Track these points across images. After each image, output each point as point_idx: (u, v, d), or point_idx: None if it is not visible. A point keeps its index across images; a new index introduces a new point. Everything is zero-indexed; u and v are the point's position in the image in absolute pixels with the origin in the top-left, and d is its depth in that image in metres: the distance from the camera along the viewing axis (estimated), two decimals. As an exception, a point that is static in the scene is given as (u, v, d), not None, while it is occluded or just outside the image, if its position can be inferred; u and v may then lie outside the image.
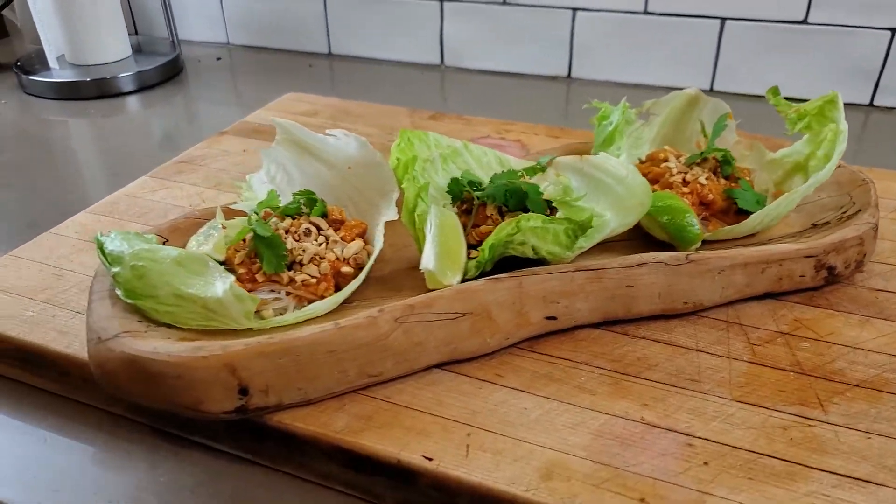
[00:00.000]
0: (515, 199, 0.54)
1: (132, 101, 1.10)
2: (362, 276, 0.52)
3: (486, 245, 0.51)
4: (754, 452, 0.44)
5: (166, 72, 1.18)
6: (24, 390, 0.55)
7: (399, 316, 0.48)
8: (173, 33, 1.22)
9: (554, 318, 0.52)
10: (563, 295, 0.52)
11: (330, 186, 0.59)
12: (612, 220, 0.51)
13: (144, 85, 1.14)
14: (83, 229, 0.68)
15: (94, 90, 1.11)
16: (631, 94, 1.08)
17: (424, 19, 1.17)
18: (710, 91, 1.07)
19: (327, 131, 0.57)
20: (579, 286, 0.52)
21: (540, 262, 0.53)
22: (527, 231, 0.50)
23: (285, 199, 0.59)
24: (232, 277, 0.48)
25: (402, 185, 0.55)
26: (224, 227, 0.53)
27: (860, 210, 0.58)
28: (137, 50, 1.22)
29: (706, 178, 0.59)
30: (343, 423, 0.47)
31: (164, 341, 0.46)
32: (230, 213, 0.59)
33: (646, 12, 1.05)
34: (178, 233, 0.58)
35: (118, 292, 0.49)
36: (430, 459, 0.44)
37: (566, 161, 0.52)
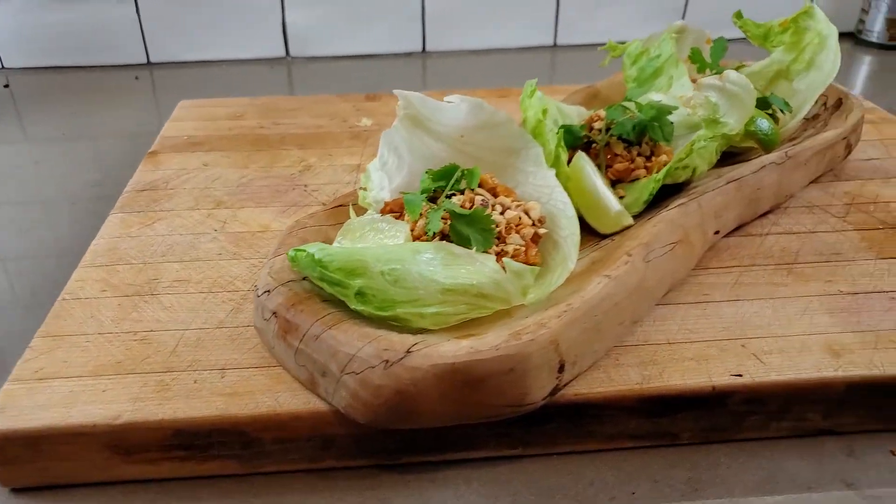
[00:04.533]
0: (638, 131, 0.56)
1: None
2: (577, 232, 0.49)
3: (660, 175, 0.52)
4: (937, 289, 0.53)
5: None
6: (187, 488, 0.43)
7: (644, 255, 0.47)
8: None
9: (717, 231, 0.55)
10: (724, 208, 0.55)
11: (440, 161, 0.54)
12: (734, 128, 0.56)
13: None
14: (105, 284, 0.53)
15: None
16: (484, 59, 1.14)
17: (263, 10, 1.08)
18: (554, 46, 1.17)
19: (446, 98, 0.52)
20: (732, 197, 0.55)
21: (675, 188, 0.56)
22: (694, 153, 0.53)
23: (395, 185, 0.53)
24: (491, 256, 0.42)
25: (542, 140, 0.54)
26: (410, 217, 0.46)
27: (839, 98, 0.71)
28: None
29: (736, 93, 0.66)
30: (637, 375, 0.45)
31: (465, 341, 0.39)
32: (358, 210, 0.51)
33: (494, -22, 1.11)
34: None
35: (361, 308, 0.40)
36: (740, 376, 0.45)
37: (708, 82, 0.55)
